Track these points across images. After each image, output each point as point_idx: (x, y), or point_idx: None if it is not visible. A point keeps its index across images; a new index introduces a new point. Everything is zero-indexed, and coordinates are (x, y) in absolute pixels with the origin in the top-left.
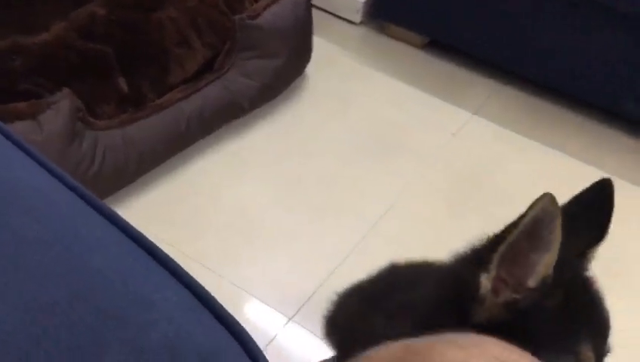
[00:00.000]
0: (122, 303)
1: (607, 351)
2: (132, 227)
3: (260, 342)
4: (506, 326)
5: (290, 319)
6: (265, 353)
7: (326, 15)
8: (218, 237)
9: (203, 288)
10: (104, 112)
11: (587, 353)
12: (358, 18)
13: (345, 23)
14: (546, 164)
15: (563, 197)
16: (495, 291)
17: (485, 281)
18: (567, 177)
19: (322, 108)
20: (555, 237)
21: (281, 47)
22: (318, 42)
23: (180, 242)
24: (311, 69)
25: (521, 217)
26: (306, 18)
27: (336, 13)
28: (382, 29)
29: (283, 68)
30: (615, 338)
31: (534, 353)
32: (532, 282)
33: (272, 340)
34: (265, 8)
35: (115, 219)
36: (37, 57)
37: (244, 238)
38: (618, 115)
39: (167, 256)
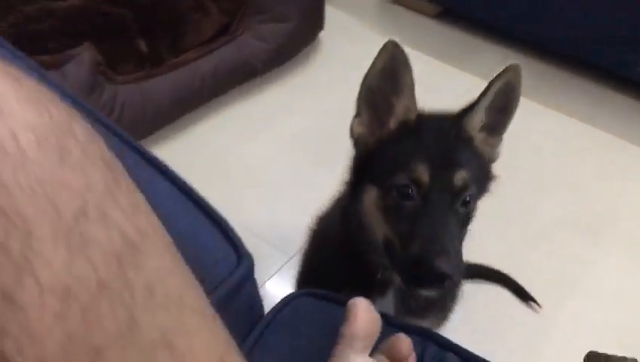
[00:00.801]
0: None
1: (459, 183)
2: (118, 129)
3: (262, 277)
4: (371, 154)
5: (291, 257)
6: (266, 287)
7: None
8: (228, 185)
9: (186, 182)
10: (124, 70)
11: (419, 170)
12: None
13: None
14: (551, 127)
15: (570, 158)
16: (370, 131)
17: (357, 125)
18: (572, 139)
19: (333, 72)
20: (406, 80)
21: (292, 12)
22: (333, 12)
23: None
24: (325, 36)
25: (373, 62)
26: None
27: None
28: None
29: (294, 32)
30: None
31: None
32: (393, 123)
33: (273, 275)
34: None
35: (119, 133)
36: (63, 19)
37: (251, 186)
38: (625, 80)
39: (154, 156)
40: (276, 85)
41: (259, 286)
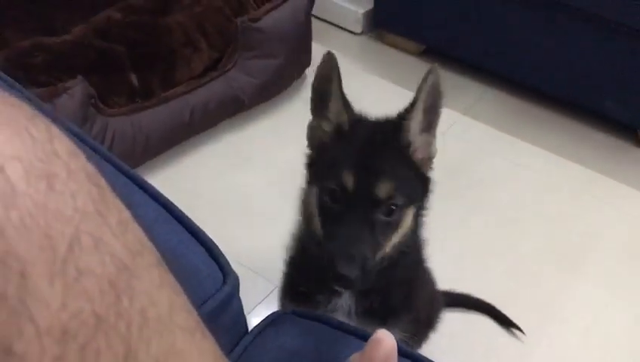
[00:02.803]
0: None
1: (382, 193)
2: (111, 156)
3: (248, 305)
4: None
5: (276, 286)
6: (252, 316)
7: (329, 26)
8: (216, 217)
9: (173, 205)
10: (115, 103)
11: (345, 176)
12: (359, 28)
13: (346, 33)
14: (528, 159)
15: (547, 190)
16: (317, 134)
17: (308, 127)
18: (549, 172)
19: None
20: (334, 86)
21: (280, 49)
22: (320, 49)
23: None
24: (312, 71)
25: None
26: (305, 23)
27: (338, 24)
28: (381, 38)
29: (282, 68)
30: None
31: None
32: (328, 127)
33: (259, 303)
34: (266, 13)
35: (111, 160)
36: (56, 54)
37: (240, 219)
38: (597, 114)
39: (144, 180)
40: (264, 118)
41: (245, 314)
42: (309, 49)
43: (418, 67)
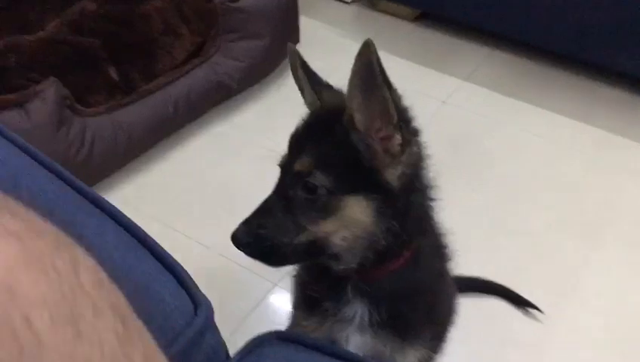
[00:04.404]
0: None
1: (298, 167)
2: (73, 178)
3: (247, 306)
4: None
5: (275, 284)
6: (251, 317)
7: None
8: (207, 213)
9: (137, 227)
10: (96, 101)
11: (284, 155)
12: None
13: (336, 3)
14: (537, 125)
15: (559, 156)
16: None
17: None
18: (558, 136)
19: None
20: (302, 78)
21: (265, 28)
22: (310, 23)
23: (171, 220)
24: (301, 48)
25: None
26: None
27: None
28: (373, 5)
29: (269, 48)
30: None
31: None
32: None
33: (258, 304)
34: None
35: (62, 175)
36: (31, 54)
37: (231, 213)
38: (610, 71)
39: (104, 201)
40: (253, 103)
41: (243, 315)
42: (297, 25)
43: (414, 34)
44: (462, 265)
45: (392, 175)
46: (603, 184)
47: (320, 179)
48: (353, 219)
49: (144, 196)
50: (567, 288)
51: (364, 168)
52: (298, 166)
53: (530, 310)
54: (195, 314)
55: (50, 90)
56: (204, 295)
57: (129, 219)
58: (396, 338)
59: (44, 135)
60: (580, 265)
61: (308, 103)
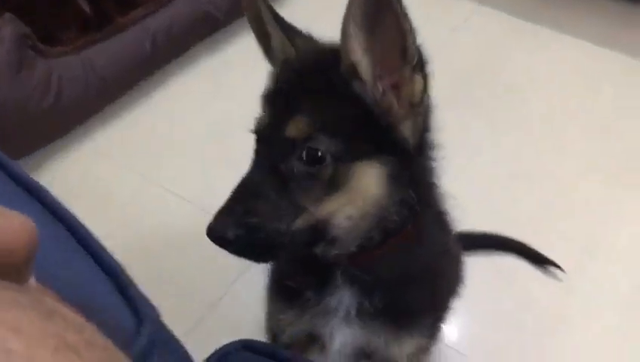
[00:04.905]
0: None
1: (292, 132)
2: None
3: (236, 269)
4: None
5: None
6: (245, 276)
7: None
8: (192, 164)
9: (67, 211)
10: (67, 38)
11: (259, 118)
12: None
13: None
14: (561, 53)
15: (584, 92)
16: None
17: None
18: (580, 63)
19: (306, 13)
20: (266, 20)
21: None
22: None
23: (151, 172)
24: None
25: None
26: None
27: None
28: None
29: None
30: None
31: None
32: (276, 64)
33: (250, 265)
34: None
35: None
36: None
37: (221, 164)
38: None
39: (29, 178)
40: (243, 36)
41: (232, 279)
42: None
43: None
44: (475, 219)
45: (409, 129)
46: (636, 122)
47: (325, 144)
48: (364, 192)
49: (121, 145)
50: (591, 244)
51: (373, 125)
52: (292, 130)
53: (551, 268)
54: (138, 331)
55: (7, 29)
56: (149, 303)
57: (63, 206)
58: (392, 327)
59: (3, 80)
60: (607, 217)
61: (277, 50)
